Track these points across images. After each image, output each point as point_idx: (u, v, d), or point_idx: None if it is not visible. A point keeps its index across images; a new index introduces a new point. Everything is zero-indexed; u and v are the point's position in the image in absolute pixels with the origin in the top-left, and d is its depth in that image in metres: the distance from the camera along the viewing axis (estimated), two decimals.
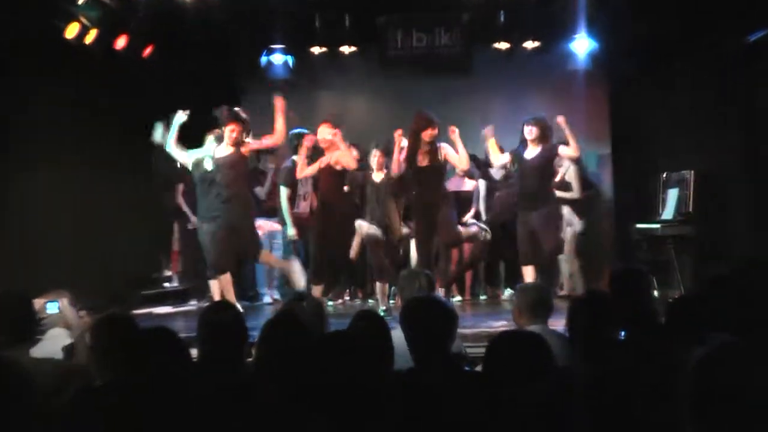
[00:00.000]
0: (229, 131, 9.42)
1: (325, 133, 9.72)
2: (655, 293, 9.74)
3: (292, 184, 10.60)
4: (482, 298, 11.38)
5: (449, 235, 9.59)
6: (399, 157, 9.52)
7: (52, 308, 5.42)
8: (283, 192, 10.62)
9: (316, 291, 9.45)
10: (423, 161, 9.43)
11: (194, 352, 4.14)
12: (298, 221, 10.60)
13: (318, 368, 3.46)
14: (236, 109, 9.75)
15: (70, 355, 5.08)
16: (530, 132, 9.70)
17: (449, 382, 3.82)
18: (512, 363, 3.52)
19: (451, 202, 9.91)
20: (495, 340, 3.67)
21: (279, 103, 9.53)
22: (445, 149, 9.52)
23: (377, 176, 10.19)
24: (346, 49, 12.39)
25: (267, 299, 11.56)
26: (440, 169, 9.53)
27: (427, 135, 9.39)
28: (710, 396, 2.58)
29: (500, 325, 8.32)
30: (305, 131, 10.60)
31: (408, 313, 4.18)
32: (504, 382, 3.49)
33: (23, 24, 9.60)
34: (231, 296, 9.10)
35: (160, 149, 10.19)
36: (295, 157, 10.55)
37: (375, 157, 10.25)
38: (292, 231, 10.54)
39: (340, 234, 9.75)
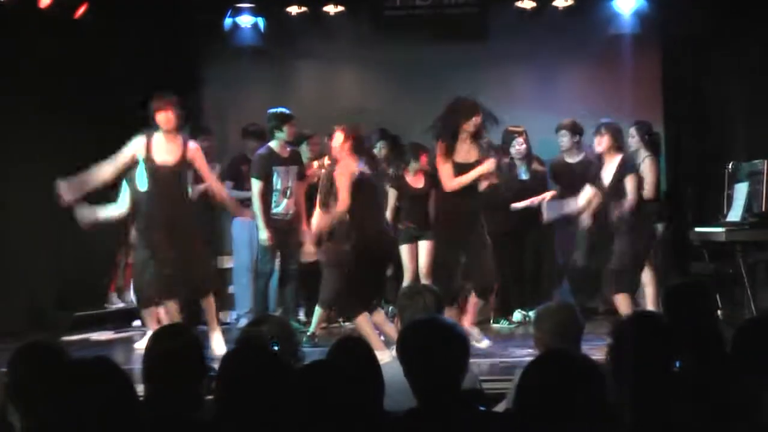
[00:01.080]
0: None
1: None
2: (719, 314, 9.74)
3: (267, 176, 10.59)
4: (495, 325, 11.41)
5: (485, 278, 9.52)
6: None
7: None
8: (255, 185, 10.60)
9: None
10: (466, 156, 9.39)
11: (141, 389, 4.12)
12: (276, 224, 10.59)
13: (293, 407, 3.45)
14: None
15: None
16: (600, 142, 9.61)
17: (460, 425, 3.80)
18: (557, 398, 3.45)
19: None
20: (534, 367, 3.58)
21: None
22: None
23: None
24: (331, 9, 12.39)
25: (244, 321, 11.55)
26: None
27: (470, 125, 9.38)
28: None
29: (525, 354, 8.32)
30: (286, 110, 10.62)
31: (407, 339, 4.16)
32: (536, 425, 3.45)
33: None
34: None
35: None
36: (271, 144, 10.60)
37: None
38: (264, 235, 10.53)
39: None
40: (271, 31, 12.69)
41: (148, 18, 11.91)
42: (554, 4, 12.28)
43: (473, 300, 9.54)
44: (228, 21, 12.57)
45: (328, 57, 13.23)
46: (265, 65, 13.01)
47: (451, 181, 9.33)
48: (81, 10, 11.05)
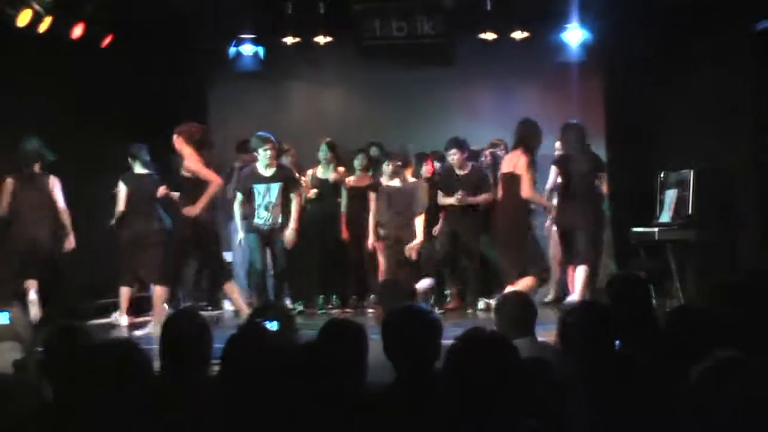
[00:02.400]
0: None
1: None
2: (653, 302, 9.78)
3: (247, 192, 10.56)
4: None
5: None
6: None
7: (2, 318, 5.35)
8: (237, 198, 10.62)
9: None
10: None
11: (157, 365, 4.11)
12: (258, 231, 10.57)
13: (285, 385, 3.45)
14: None
15: (22, 370, 5.04)
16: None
17: (431, 402, 3.80)
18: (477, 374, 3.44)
19: None
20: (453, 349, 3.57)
21: None
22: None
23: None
24: (320, 39, 12.38)
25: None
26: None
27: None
28: (709, 416, 2.57)
29: None
30: (264, 134, 10.56)
31: (389, 323, 4.16)
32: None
33: None
34: None
35: None
36: (257, 164, 10.53)
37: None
38: (242, 235, 10.61)
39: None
40: (269, 58, 12.65)
41: (165, 46, 11.92)
42: (512, 35, 12.26)
43: None
44: (232, 50, 12.53)
45: (318, 80, 13.24)
46: (263, 88, 12.99)
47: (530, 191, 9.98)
48: (107, 40, 11.00)
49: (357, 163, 11.79)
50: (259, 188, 10.50)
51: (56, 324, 4.69)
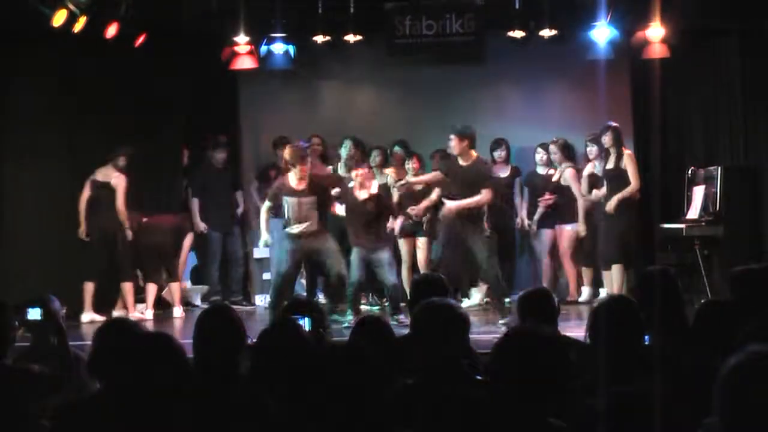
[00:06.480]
0: None
1: None
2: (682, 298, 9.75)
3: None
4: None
5: None
6: None
7: (33, 314, 5.29)
8: (264, 204, 10.39)
9: None
10: None
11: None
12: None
13: (318, 381, 3.45)
14: None
15: (57, 361, 5.06)
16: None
17: (460, 392, 3.79)
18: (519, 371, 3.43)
19: None
20: (504, 343, 3.56)
21: None
22: None
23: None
24: (350, 38, 12.34)
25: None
26: None
27: None
28: (741, 410, 2.55)
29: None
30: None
31: (418, 317, 4.15)
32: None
33: (5, 9, 9.70)
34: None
35: None
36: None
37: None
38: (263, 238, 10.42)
39: None
40: (299, 57, 12.62)
41: (197, 44, 11.96)
42: (540, 33, 12.16)
43: None
44: (263, 48, 12.51)
45: (348, 78, 13.23)
46: (294, 85, 13.00)
47: None
48: (141, 39, 11.03)
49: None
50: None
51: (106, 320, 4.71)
